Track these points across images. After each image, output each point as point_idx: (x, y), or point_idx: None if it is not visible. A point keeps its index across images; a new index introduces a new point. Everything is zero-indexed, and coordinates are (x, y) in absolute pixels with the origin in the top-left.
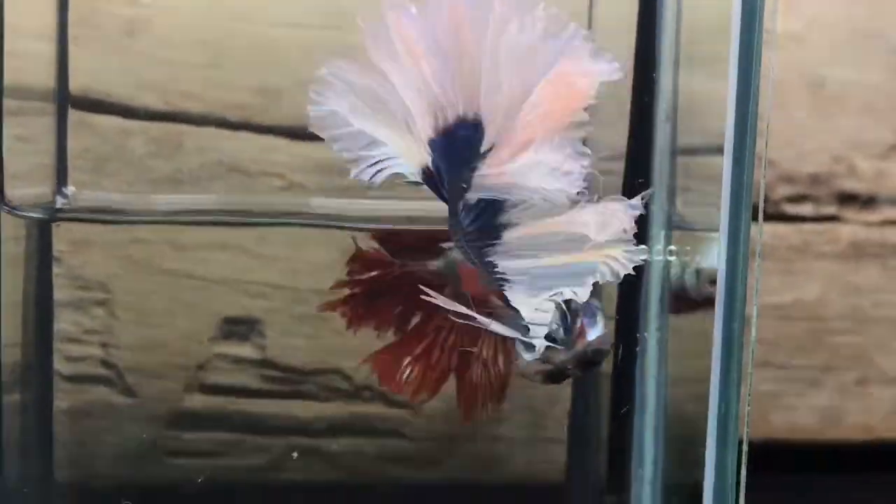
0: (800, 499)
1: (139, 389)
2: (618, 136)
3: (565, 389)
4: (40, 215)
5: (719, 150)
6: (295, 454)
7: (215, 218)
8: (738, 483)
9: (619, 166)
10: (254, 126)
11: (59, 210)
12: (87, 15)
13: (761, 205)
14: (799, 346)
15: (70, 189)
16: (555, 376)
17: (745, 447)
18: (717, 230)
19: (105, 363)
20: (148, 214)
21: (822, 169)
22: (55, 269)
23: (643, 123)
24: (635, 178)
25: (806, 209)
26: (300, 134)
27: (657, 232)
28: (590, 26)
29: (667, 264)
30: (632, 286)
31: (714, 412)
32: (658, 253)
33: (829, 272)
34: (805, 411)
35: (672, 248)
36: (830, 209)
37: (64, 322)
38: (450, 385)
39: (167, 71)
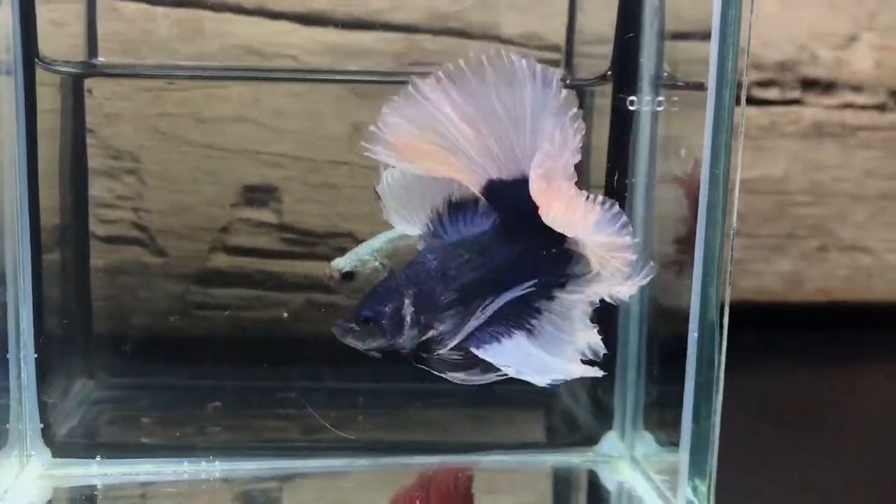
0: (767, 354)
1: (168, 249)
2: (604, 24)
3: None
4: (73, 70)
5: (704, 37)
6: (285, 314)
7: (237, 74)
8: (720, 339)
9: (605, 49)
10: (267, 12)
11: (91, 66)
12: None
13: (744, 91)
14: (765, 217)
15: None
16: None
17: (726, 306)
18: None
19: (137, 226)
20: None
21: (788, 57)
22: (89, 140)
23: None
24: (623, 63)
25: (772, 93)
26: (311, 19)
27: (646, 85)
28: None
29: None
30: (621, 139)
31: (699, 274)
32: (647, 104)
33: (792, 150)
34: (770, 276)
35: (660, 99)
36: (795, 93)
37: (98, 189)
38: None
39: None
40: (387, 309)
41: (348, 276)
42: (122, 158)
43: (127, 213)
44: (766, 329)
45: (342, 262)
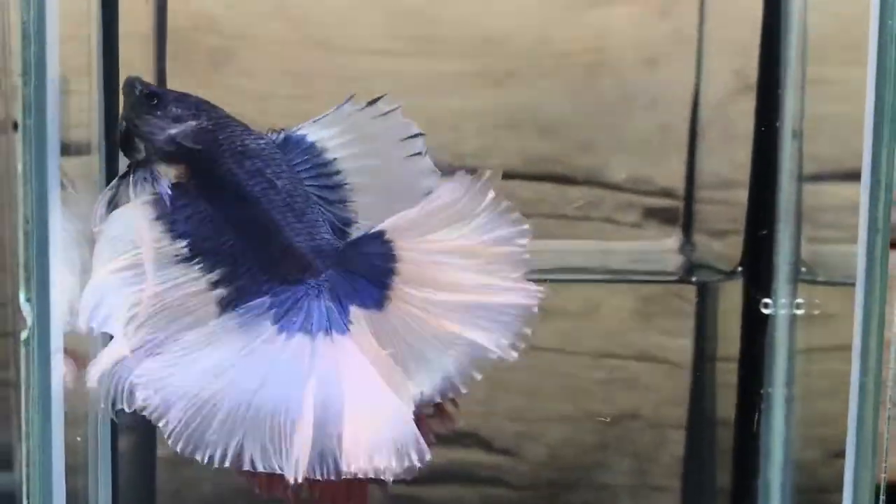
0: None
1: None
2: (724, 164)
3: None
4: None
5: (846, 177)
6: None
7: None
8: None
9: (731, 195)
10: None
11: None
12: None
13: None
14: None
15: None
16: None
17: (882, 488)
18: (852, 282)
19: None
20: None
21: None
22: None
23: (765, 147)
24: (758, 207)
25: None
26: None
27: (782, 284)
28: (699, 39)
29: (793, 319)
30: (755, 341)
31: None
32: (783, 307)
33: None
34: None
35: (799, 301)
36: None
37: None
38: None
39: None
40: None
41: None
42: None
43: None
44: None
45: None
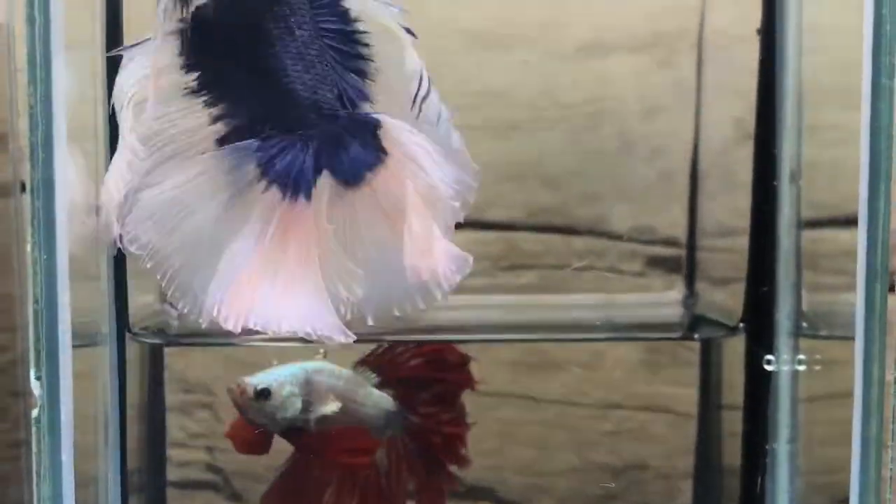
0: None
1: (245, 494)
2: (726, 212)
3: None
4: (158, 340)
5: (844, 223)
6: None
7: None
8: None
9: (733, 243)
10: None
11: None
12: None
13: None
14: None
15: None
16: None
17: None
18: (850, 336)
19: (211, 467)
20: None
21: None
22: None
23: (764, 195)
24: (759, 260)
25: None
26: None
27: (783, 341)
28: (698, 89)
29: (796, 374)
30: (758, 395)
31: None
32: (786, 363)
33: None
34: None
35: (801, 357)
36: None
37: (171, 426)
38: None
39: None
40: None
41: (263, 393)
42: (195, 392)
43: (201, 453)
44: None
45: (256, 380)
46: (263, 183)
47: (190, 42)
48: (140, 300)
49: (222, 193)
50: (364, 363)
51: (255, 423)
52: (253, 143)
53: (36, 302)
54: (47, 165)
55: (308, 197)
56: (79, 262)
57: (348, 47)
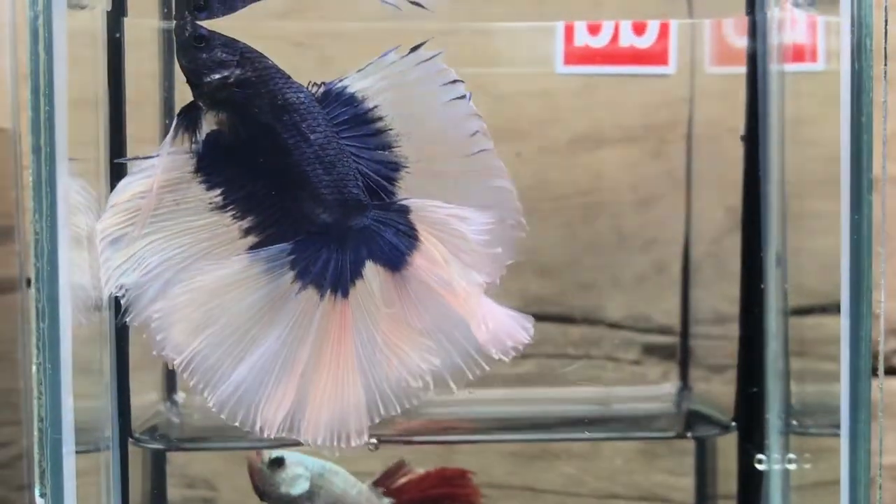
0: None
1: None
2: (719, 300)
3: None
4: (161, 447)
5: (828, 309)
6: None
7: None
8: None
9: (726, 330)
10: None
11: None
12: None
13: (881, 361)
14: None
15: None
16: None
17: None
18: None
19: None
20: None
21: None
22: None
23: (751, 283)
24: (750, 354)
25: None
26: None
27: (774, 440)
28: (688, 179)
29: (786, 473)
30: (751, 490)
31: None
32: (776, 461)
33: None
34: None
35: (791, 455)
36: None
37: None
38: None
39: None
40: None
41: (277, 461)
42: (196, 486)
43: None
44: None
45: (277, 452)
46: (298, 285)
47: (205, 163)
48: (143, 398)
49: (255, 294)
50: (378, 484)
51: (260, 490)
52: (286, 247)
53: (41, 420)
54: (52, 300)
55: (346, 294)
56: (82, 362)
57: (366, 128)
